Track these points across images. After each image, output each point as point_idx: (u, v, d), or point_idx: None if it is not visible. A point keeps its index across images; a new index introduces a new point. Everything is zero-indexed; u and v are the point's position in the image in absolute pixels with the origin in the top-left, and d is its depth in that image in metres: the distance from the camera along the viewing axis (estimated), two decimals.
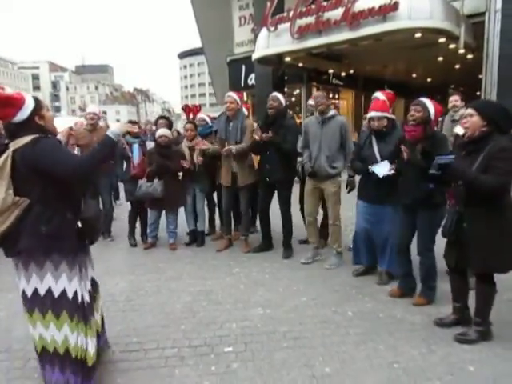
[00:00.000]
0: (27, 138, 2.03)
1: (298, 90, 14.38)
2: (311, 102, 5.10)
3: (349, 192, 4.27)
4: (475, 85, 10.07)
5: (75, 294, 2.19)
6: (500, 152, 2.46)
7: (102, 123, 5.74)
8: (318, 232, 4.53)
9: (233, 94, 4.64)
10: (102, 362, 2.54)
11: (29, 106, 2.08)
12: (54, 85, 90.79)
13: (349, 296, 3.54)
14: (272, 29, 10.10)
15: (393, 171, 3.38)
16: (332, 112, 4.19)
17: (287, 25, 9.73)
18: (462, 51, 9.36)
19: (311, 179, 4.32)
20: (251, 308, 3.35)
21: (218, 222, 5.64)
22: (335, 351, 2.67)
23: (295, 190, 4.91)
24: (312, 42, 9.50)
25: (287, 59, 11.21)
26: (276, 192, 4.68)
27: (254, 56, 11.07)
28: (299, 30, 9.51)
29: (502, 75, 8.68)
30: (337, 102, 15.26)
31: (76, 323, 2.18)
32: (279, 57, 10.95)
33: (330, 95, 14.21)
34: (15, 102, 2.03)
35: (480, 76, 9.45)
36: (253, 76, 13.97)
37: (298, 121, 11.05)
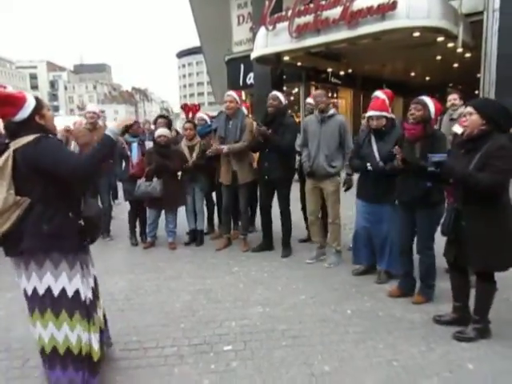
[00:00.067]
0: (28, 138, 2.03)
1: (296, 89, 14.38)
2: (310, 100, 5.10)
3: (346, 190, 4.26)
4: (473, 84, 10.09)
5: (76, 292, 2.18)
6: (498, 150, 2.47)
7: (100, 122, 5.73)
8: (322, 231, 4.52)
9: (232, 93, 4.64)
10: (105, 358, 2.54)
11: (30, 105, 2.07)
12: (52, 84, 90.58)
13: (348, 295, 3.55)
14: (270, 28, 10.09)
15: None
16: (332, 111, 4.20)
17: (286, 24, 9.72)
18: (460, 50, 9.38)
19: (310, 178, 4.32)
20: (250, 307, 3.36)
21: (216, 221, 5.64)
22: (334, 350, 2.67)
23: (295, 188, 4.91)
24: (310, 41, 9.49)
25: (286, 58, 11.21)
26: (275, 190, 4.68)
27: (253, 55, 11.06)
28: (298, 28, 9.50)
29: (501, 74, 8.70)
30: (335, 101, 15.25)
31: (77, 321, 2.17)
32: (278, 56, 10.95)
33: (329, 94, 14.20)
34: (16, 101, 2.03)
35: (478, 75, 9.46)
36: (251, 75, 13.96)
37: (297, 120, 11.06)
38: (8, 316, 3.25)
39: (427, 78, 16.94)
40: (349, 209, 4.66)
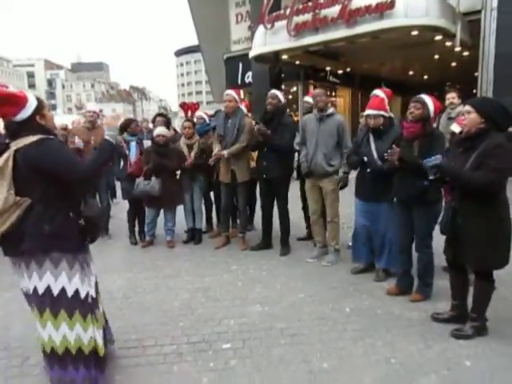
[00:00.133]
0: (30, 138, 2.02)
1: (295, 88, 14.39)
2: (307, 98, 5.10)
3: (341, 188, 4.24)
4: (471, 82, 10.13)
5: (76, 292, 2.18)
6: (494, 149, 2.47)
7: (99, 121, 5.72)
8: (324, 230, 4.52)
9: (231, 92, 4.63)
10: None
11: (31, 104, 2.07)
12: (50, 83, 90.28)
13: (346, 293, 3.56)
14: (269, 26, 10.09)
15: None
16: (331, 110, 4.20)
17: (284, 22, 9.73)
18: (458, 49, 9.41)
19: (309, 177, 4.33)
20: (249, 305, 3.37)
21: (215, 219, 5.65)
22: (333, 347, 2.69)
23: (295, 187, 4.92)
24: (309, 40, 9.50)
25: (284, 57, 11.21)
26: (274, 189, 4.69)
27: (251, 54, 11.06)
28: (296, 27, 9.51)
29: (498, 73, 8.73)
30: (334, 99, 15.27)
31: (77, 321, 2.17)
32: (276, 54, 10.95)
33: (327, 93, 14.22)
34: (18, 101, 2.03)
35: (476, 73, 9.50)
36: (250, 74, 13.96)
37: (296, 118, 11.06)
38: (7, 315, 3.25)
39: (425, 77, 16.97)
40: (347, 207, 4.67)
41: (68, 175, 2.06)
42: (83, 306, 2.20)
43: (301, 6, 9.36)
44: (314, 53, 11.26)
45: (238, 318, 3.12)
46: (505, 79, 8.37)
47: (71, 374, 2.16)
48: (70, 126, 7.38)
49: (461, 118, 3.13)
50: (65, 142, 4.65)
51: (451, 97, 4.78)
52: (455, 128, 3.79)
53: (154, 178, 4.84)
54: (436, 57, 12.32)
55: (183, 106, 6.87)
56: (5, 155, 2.01)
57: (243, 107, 4.84)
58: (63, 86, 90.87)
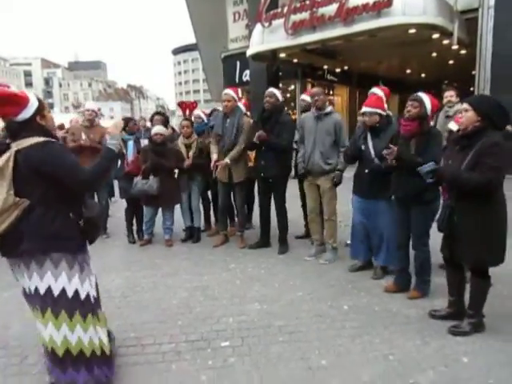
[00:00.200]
0: (32, 140, 2.02)
1: (292, 86, 14.37)
2: (304, 97, 5.10)
3: (334, 185, 4.21)
4: (469, 81, 10.15)
5: (76, 292, 2.17)
6: (490, 147, 2.48)
7: (97, 120, 5.72)
8: (322, 229, 4.52)
9: (230, 92, 4.61)
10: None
11: (33, 104, 2.07)
12: (47, 81, 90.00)
13: (344, 290, 3.57)
14: (266, 24, 10.07)
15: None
16: (329, 109, 4.20)
17: (281, 20, 9.70)
18: (455, 47, 9.41)
19: (307, 176, 4.33)
20: (247, 303, 3.37)
21: (213, 218, 5.65)
22: (331, 345, 2.70)
23: (294, 185, 4.93)
24: (306, 38, 9.48)
25: (282, 55, 11.20)
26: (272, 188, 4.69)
27: (249, 52, 11.04)
28: (293, 25, 9.49)
29: (495, 71, 8.75)
30: (331, 98, 15.27)
31: (77, 322, 2.16)
32: (274, 53, 10.93)
33: (325, 91, 14.23)
34: (20, 101, 2.03)
35: (473, 72, 9.51)
36: (247, 72, 13.94)
37: (294, 117, 11.07)
38: (5, 314, 3.24)
39: (423, 75, 16.98)
40: (345, 205, 4.67)
41: (70, 180, 2.07)
42: (83, 307, 2.19)
43: (298, 5, 9.34)
44: (312, 51, 11.24)
45: (236, 316, 3.13)
46: (502, 77, 8.39)
47: (71, 376, 2.15)
48: (67, 125, 7.36)
49: (458, 116, 3.14)
50: (63, 142, 4.65)
51: (449, 95, 4.79)
52: (453, 126, 3.80)
53: (151, 177, 4.84)
54: (433, 55, 12.33)
55: (181, 104, 6.86)
56: (5, 155, 2.00)
57: (242, 106, 4.84)
58: (60, 85, 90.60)
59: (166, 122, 5.86)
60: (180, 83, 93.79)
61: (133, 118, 5.98)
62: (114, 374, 2.35)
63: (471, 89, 9.90)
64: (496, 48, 8.72)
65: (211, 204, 5.61)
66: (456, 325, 2.80)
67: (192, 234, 5.25)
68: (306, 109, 4.87)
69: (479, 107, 2.57)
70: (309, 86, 13.23)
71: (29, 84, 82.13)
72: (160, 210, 5.12)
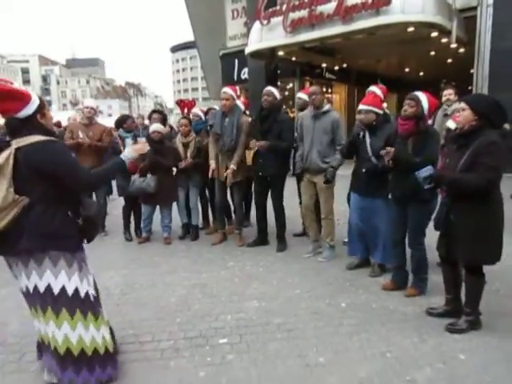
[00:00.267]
0: (33, 138, 2.02)
1: (291, 84, 14.38)
2: (300, 95, 5.09)
3: (324, 183, 4.18)
4: (467, 79, 10.16)
5: (76, 290, 2.17)
6: (488, 146, 2.48)
7: (96, 118, 5.71)
8: (317, 225, 4.53)
9: (229, 90, 4.59)
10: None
11: (34, 102, 2.07)
12: (45, 79, 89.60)
13: (342, 288, 3.58)
14: (265, 22, 10.07)
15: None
16: (327, 107, 4.20)
17: (280, 18, 9.71)
18: (453, 45, 9.44)
19: (305, 173, 4.34)
20: (246, 300, 3.38)
21: (211, 216, 5.65)
22: (329, 342, 2.71)
23: (291, 183, 4.93)
24: (305, 36, 9.49)
25: (280, 53, 11.20)
26: (269, 186, 4.69)
27: (247, 50, 11.03)
28: (292, 23, 9.49)
29: (494, 70, 8.77)
30: (330, 96, 15.28)
31: (79, 320, 2.16)
32: (272, 51, 10.94)
33: (324, 89, 14.24)
34: (23, 97, 2.03)
35: (472, 70, 9.53)
36: (246, 70, 13.94)
37: (292, 115, 11.07)
38: (3, 311, 3.25)
39: (421, 74, 17.02)
40: (341, 204, 4.69)
41: (70, 180, 2.09)
42: (83, 305, 2.19)
43: (297, 2, 9.34)
44: (310, 49, 11.25)
45: (234, 314, 3.14)
46: (500, 76, 8.42)
47: (69, 376, 2.16)
48: (64, 123, 7.34)
49: (456, 115, 3.15)
50: (61, 139, 4.64)
51: (448, 93, 4.80)
52: (451, 124, 3.82)
53: (149, 175, 4.84)
54: (432, 53, 12.35)
55: (180, 103, 6.81)
56: (5, 153, 2.00)
57: (241, 104, 4.83)
58: (58, 82, 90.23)
59: (164, 120, 5.85)
60: (178, 81, 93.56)
61: (131, 116, 5.96)
62: (117, 372, 2.35)
63: (469, 87, 9.91)
64: (494, 46, 8.74)
65: (209, 202, 5.61)
66: (453, 322, 2.81)
67: (189, 231, 5.25)
68: (302, 107, 4.87)
69: (476, 106, 2.57)
70: (307, 84, 13.24)
71: (26, 81, 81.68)
72: (158, 207, 5.12)
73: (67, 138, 5.17)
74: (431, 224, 2.99)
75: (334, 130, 4.13)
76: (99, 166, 5.00)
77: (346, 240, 4.25)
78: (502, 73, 8.36)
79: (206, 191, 5.50)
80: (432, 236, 3.11)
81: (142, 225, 5.20)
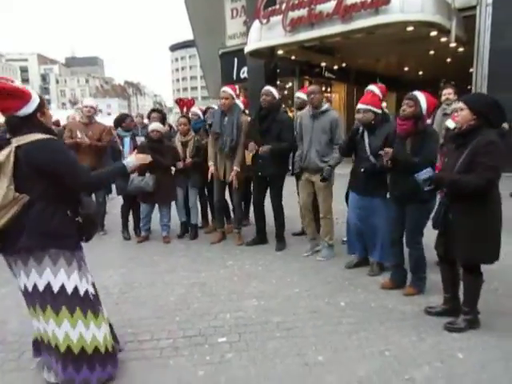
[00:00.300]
0: (33, 136, 2.02)
1: (290, 84, 14.37)
2: (299, 94, 5.09)
3: (321, 180, 4.14)
4: (466, 78, 10.17)
5: (75, 289, 2.18)
6: (486, 146, 2.48)
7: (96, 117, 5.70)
8: (315, 223, 4.53)
9: (228, 89, 4.58)
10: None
11: (35, 100, 2.07)
12: (44, 77, 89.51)
13: (341, 287, 3.59)
14: (264, 21, 10.06)
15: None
16: (325, 106, 4.19)
17: (279, 17, 9.70)
18: (453, 45, 9.43)
19: (304, 172, 4.34)
20: (245, 299, 3.39)
21: (211, 215, 5.65)
22: (328, 340, 2.71)
23: (290, 183, 4.93)
24: (304, 35, 9.49)
25: (280, 52, 11.19)
26: (268, 186, 4.70)
27: (247, 49, 11.03)
28: (291, 22, 9.49)
29: (493, 69, 8.78)
30: (329, 95, 15.28)
31: (78, 318, 2.17)
32: (271, 50, 10.93)
33: (323, 88, 14.24)
34: (24, 95, 2.03)
35: (471, 69, 9.53)
36: (245, 69, 13.93)
37: (291, 114, 11.07)
38: (3, 310, 3.25)
39: (420, 73, 17.02)
40: (340, 203, 4.69)
41: (70, 179, 2.10)
42: (83, 303, 2.20)
43: (296, 1, 9.34)
44: (310, 48, 11.25)
45: (233, 312, 3.15)
46: (499, 75, 8.42)
47: (70, 374, 2.16)
48: (63, 122, 7.32)
49: (455, 115, 3.16)
50: (60, 138, 4.64)
51: (447, 93, 4.80)
52: (450, 124, 3.82)
53: (148, 174, 4.83)
54: (431, 53, 12.35)
55: (179, 102, 6.80)
56: (6, 150, 2.01)
57: (240, 103, 4.83)
58: (57, 81, 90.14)
59: (163, 119, 5.85)
60: (177, 80, 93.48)
61: (129, 115, 5.96)
62: (117, 371, 2.36)
63: (468, 87, 9.92)
64: (494, 45, 8.75)
65: (207, 201, 5.60)
66: (451, 321, 2.82)
67: (187, 230, 5.26)
68: (301, 106, 4.87)
69: (474, 106, 2.57)
70: (306, 84, 13.23)
71: (25, 80, 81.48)
72: (157, 206, 5.12)
73: (66, 136, 5.17)
74: (430, 223, 3.00)
75: (333, 130, 4.13)
76: (98, 166, 5.07)
77: (345, 239, 4.25)
78: (502, 72, 8.37)
79: (205, 190, 5.50)
80: (430, 235, 3.11)
81: (140, 224, 5.20)
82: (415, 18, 8.17)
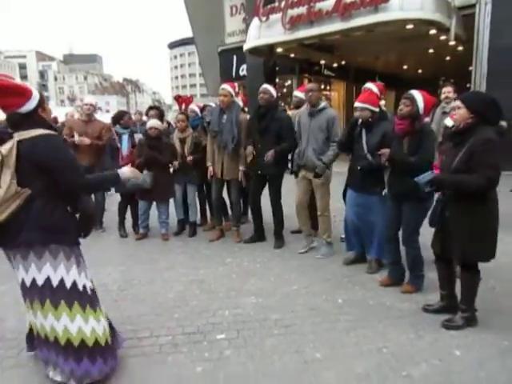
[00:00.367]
0: (35, 132, 2.04)
1: (289, 81, 14.36)
2: (297, 93, 5.09)
3: (314, 177, 4.16)
4: (465, 76, 10.17)
5: (74, 283, 2.19)
6: (483, 145, 2.48)
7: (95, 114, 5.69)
8: (310, 221, 4.54)
9: (227, 87, 4.57)
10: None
11: (36, 97, 2.09)
12: (42, 74, 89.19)
13: (339, 284, 3.60)
14: (263, 19, 10.04)
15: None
16: (322, 104, 4.19)
17: (279, 15, 9.68)
18: (452, 43, 9.44)
19: (302, 169, 4.34)
20: (243, 296, 3.40)
21: (209, 213, 5.65)
22: (326, 338, 2.73)
23: (289, 181, 4.94)
24: (304, 33, 9.47)
25: (279, 50, 11.17)
26: (267, 183, 4.70)
27: (246, 46, 11.00)
28: (291, 20, 9.47)
29: (492, 67, 8.78)
30: (328, 93, 15.27)
31: (77, 312, 2.18)
32: (271, 47, 10.91)
33: (322, 86, 14.24)
34: (25, 92, 2.05)
35: (470, 68, 9.54)
36: (244, 66, 13.91)
37: (290, 112, 11.06)
38: (1, 307, 3.25)
39: (419, 71, 17.01)
40: (338, 200, 4.70)
41: (67, 176, 2.10)
42: (82, 298, 2.21)
43: None
44: (309, 46, 11.22)
45: (232, 309, 3.16)
46: (498, 73, 8.42)
47: (71, 366, 2.17)
48: (61, 119, 7.31)
49: (453, 113, 3.16)
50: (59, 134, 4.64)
51: (447, 91, 4.80)
52: (448, 122, 3.82)
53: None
54: (430, 51, 12.34)
55: (177, 98, 6.79)
56: (8, 144, 2.03)
57: (239, 101, 4.82)
58: (55, 78, 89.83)
59: (161, 116, 5.84)
60: (176, 77, 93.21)
61: (127, 112, 5.95)
62: (117, 363, 2.38)
63: (468, 85, 9.92)
64: (493, 44, 8.75)
65: (206, 199, 5.60)
66: (449, 319, 2.83)
67: (184, 227, 5.26)
68: (298, 105, 4.87)
69: (471, 104, 2.57)
70: (305, 82, 13.21)
71: (24, 77, 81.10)
72: (154, 203, 5.12)
73: (65, 134, 5.16)
74: (426, 222, 3.01)
75: (330, 128, 4.12)
76: (97, 164, 5.05)
77: (343, 236, 4.26)
78: (501, 70, 8.37)
79: (204, 188, 5.50)
80: (427, 234, 3.12)
81: (139, 221, 5.20)
82: (415, 16, 8.15)
